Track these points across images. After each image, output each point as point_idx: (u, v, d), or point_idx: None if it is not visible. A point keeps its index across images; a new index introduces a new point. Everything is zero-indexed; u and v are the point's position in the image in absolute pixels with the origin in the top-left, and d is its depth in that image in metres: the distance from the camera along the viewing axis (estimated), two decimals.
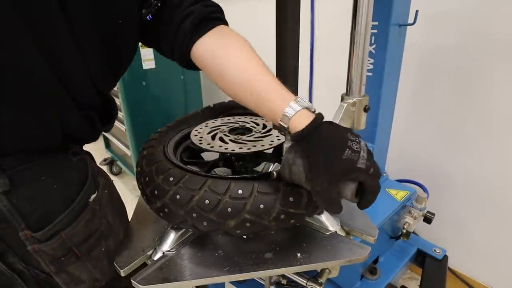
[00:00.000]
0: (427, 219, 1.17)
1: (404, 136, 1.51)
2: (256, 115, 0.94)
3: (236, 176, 0.67)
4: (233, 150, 0.70)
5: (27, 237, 0.55)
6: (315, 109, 0.55)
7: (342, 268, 0.79)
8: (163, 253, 0.63)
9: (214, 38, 0.60)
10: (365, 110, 0.62)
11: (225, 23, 0.66)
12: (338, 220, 0.69)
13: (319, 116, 0.52)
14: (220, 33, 0.62)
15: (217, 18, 0.63)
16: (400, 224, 1.19)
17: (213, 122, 0.89)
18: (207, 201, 0.54)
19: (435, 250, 1.23)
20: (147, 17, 0.62)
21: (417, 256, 1.27)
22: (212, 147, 0.72)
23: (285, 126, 0.53)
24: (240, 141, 0.75)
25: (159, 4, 0.62)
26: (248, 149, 0.71)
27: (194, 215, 0.55)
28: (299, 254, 0.62)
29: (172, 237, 0.64)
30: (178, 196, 0.56)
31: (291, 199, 0.56)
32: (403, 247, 1.27)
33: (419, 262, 1.27)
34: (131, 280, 0.57)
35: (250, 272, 0.59)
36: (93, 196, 0.62)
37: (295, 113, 0.52)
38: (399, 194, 1.17)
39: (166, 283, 0.57)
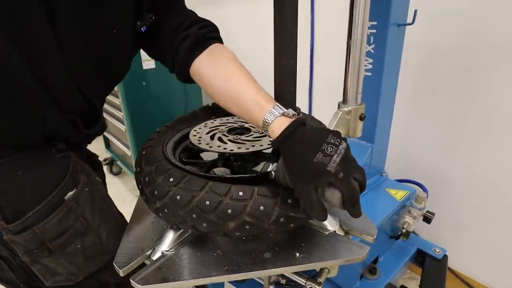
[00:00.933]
0: (427, 219, 1.17)
1: (403, 136, 1.51)
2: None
3: (235, 176, 0.67)
4: (232, 150, 0.70)
5: (2, 227, 0.58)
6: (298, 112, 0.57)
7: (342, 268, 0.78)
8: (162, 253, 0.63)
9: (207, 57, 0.68)
10: (361, 118, 0.62)
11: (219, 40, 0.73)
12: (337, 220, 0.69)
13: (297, 120, 0.54)
14: (212, 52, 0.69)
15: (211, 37, 0.71)
16: (400, 223, 1.19)
17: (212, 122, 0.89)
18: (207, 202, 0.54)
19: (435, 250, 1.23)
20: (142, 28, 0.67)
21: (417, 256, 1.27)
22: (210, 147, 0.72)
23: (267, 133, 0.57)
24: (238, 141, 0.75)
25: (153, 18, 0.67)
26: (247, 149, 0.71)
27: (194, 215, 0.55)
28: (298, 254, 0.62)
29: (171, 237, 0.64)
30: (178, 197, 0.56)
31: (289, 201, 0.56)
32: (403, 247, 1.27)
33: (419, 262, 1.27)
34: (130, 280, 0.57)
35: (249, 272, 0.59)
36: (70, 193, 0.63)
37: (273, 121, 0.55)
38: (399, 194, 1.17)
39: (165, 283, 0.57)
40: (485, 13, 1.15)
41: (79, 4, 0.54)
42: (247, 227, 0.55)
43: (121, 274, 0.60)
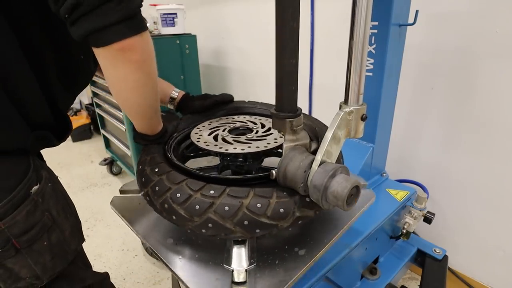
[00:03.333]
0: (427, 219, 1.17)
1: (404, 136, 1.51)
2: (256, 114, 0.94)
3: (235, 176, 0.67)
4: (227, 150, 0.71)
5: None
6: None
7: (342, 268, 0.79)
8: (246, 270, 0.60)
9: None
10: (363, 119, 0.62)
11: None
12: None
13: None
14: None
15: None
16: (400, 224, 1.19)
17: (212, 123, 0.89)
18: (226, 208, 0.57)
19: (435, 250, 1.23)
20: None
21: (417, 256, 1.27)
22: (220, 148, 0.72)
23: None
24: (239, 141, 0.75)
25: None
26: (249, 147, 0.71)
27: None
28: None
29: (243, 252, 0.62)
30: (197, 206, 0.58)
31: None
32: (403, 247, 1.27)
33: (419, 262, 1.27)
34: None
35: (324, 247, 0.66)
36: (35, 187, 0.62)
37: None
38: (399, 194, 1.17)
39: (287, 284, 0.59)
40: (485, 13, 1.15)
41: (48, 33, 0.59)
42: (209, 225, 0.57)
43: None
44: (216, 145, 0.73)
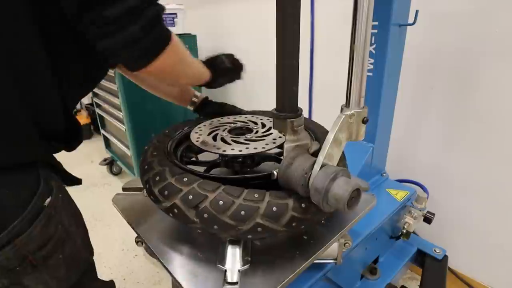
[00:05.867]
0: (427, 219, 1.17)
1: (404, 136, 1.51)
2: (255, 114, 0.95)
3: (234, 176, 0.67)
4: (224, 151, 0.71)
5: None
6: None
7: (343, 268, 0.79)
8: (239, 270, 0.61)
9: None
10: (364, 122, 0.62)
11: None
12: None
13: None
14: None
15: None
16: (400, 224, 1.19)
17: (213, 123, 0.89)
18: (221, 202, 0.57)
19: (435, 250, 1.23)
20: None
21: (417, 256, 1.27)
22: (218, 148, 0.72)
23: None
24: (239, 141, 0.75)
25: None
26: (247, 148, 0.71)
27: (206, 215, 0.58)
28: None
29: (237, 252, 0.63)
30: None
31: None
32: (403, 247, 1.27)
33: (419, 262, 1.27)
34: None
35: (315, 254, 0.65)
36: (48, 200, 0.59)
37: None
38: (399, 194, 1.17)
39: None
40: (485, 13, 1.15)
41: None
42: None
43: None
44: (214, 146, 0.74)
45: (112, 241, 1.96)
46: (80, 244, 0.69)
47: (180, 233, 0.73)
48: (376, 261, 1.19)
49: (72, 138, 0.70)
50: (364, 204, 0.77)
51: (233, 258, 0.62)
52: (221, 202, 0.57)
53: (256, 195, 0.58)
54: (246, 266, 0.61)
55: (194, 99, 1.00)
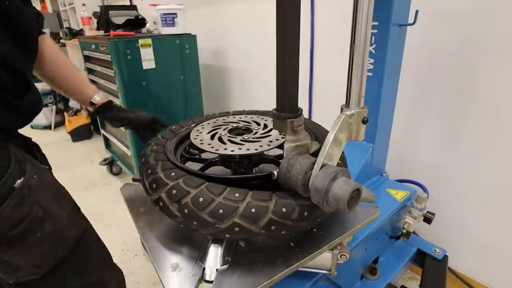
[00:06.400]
0: (427, 219, 1.17)
1: (404, 136, 1.51)
2: (255, 114, 0.94)
3: (233, 176, 0.67)
4: (217, 150, 0.71)
5: None
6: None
7: (342, 268, 0.79)
8: (217, 269, 0.61)
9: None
10: (364, 122, 0.62)
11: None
12: None
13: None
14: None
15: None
16: (400, 224, 1.19)
17: (213, 122, 0.89)
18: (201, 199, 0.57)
19: (435, 250, 1.23)
20: None
21: (417, 256, 1.27)
22: (212, 147, 0.72)
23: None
24: (235, 141, 0.75)
25: None
26: (240, 149, 0.71)
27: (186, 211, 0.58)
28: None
29: (219, 251, 0.63)
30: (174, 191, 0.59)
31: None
32: (403, 247, 1.27)
33: (419, 262, 1.27)
34: None
35: (299, 262, 0.63)
36: (19, 181, 0.62)
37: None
38: (399, 194, 1.17)
39: None
40: (485, 13, 1.15)
41: None
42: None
43: None
44: (209, 144, 0.74)
45: (112, 241, 1.96)
46: (67, 222, 0.71)
47: (174, 226, 0.74)
48: (376, 261, 1.19)
49: (20, 90, 0.68)
50: (366, 216, 0.74)
51: (214, 257, 0.63)
52: (201, 199, 0.57)
53: (237, 195, 0.58)
54: (225, 266, 0.62)
55: (93, 100, 0.98)
